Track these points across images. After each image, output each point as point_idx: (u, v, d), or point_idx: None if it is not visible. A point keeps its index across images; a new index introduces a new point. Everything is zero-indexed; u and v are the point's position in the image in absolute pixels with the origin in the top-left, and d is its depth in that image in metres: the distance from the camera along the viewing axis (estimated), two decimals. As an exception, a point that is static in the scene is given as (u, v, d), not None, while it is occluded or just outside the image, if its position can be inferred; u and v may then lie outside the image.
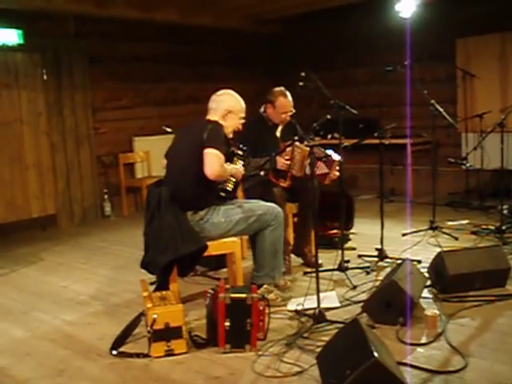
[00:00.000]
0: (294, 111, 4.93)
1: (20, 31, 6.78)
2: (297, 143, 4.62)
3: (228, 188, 4.11)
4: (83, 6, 6.94)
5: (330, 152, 4.64)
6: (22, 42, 6.81)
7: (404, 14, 6.89)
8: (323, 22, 9.11)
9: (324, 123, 4.51)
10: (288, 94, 4.88)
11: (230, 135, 4.18)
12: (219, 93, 4.20)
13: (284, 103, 4.85)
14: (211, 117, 4.11)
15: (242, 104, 4.21)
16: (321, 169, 4.74)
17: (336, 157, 4.66)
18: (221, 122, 4.07)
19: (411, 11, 6.86)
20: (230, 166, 4.04)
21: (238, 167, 4.14)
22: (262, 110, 4.99)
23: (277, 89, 4.92)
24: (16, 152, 7.05)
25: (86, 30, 7.56)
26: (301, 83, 4.52)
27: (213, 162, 3.79)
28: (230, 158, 4.11)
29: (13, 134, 7.01)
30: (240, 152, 4.20)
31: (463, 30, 7.73)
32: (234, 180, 4.13)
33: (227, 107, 4.12)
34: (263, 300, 3.47)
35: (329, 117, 4.36)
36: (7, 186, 6.99)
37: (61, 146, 7.39)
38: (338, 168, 4.74)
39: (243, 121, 4.23)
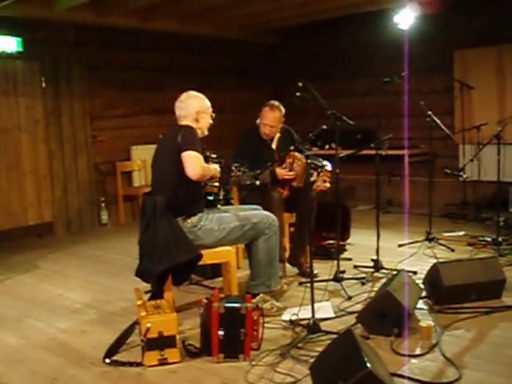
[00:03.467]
0: (276, 128, 4.90)
1: (19, 39, 6.81)
2: (296, 154, 4.63)
3: (214, 190, 4.11)
4: (82, 14, 6.96)
5: (325, 162, 4.64)
6: (21, 49, 6.83)
7: (402, 25, 6.91)
8: (321, 32, 9.15)
9: (321, 133, 4.52)
10: (277, 108, 4.86)
11: (206, 132, 4.16)
12: (182, 98, 4.16)
13: (265, 114, 4.85)
14: (183, 123, 4.10)
15: (206, 100, 4.19)
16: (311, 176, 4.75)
17: (328, 167, 4.66)
18: (194, 125, 4.06)
19: (409, 23, 6.89)
20: (210, 165, 4.02)
21: (215, 166, 4.09)
22: (257, 121, 4.99)
23: (271, 101, 4.93)
24: (13, 159, 7.05)
25: (84, 38, 7.59)
26: (298, 93, 4.52)
27: (193, 162, 3.78)
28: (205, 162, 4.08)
29: (10, 141, 7.02)
30: (214, 155, 4.18)
31: (461, 42, 7.77)
32: (217, 182, 4.13)
33: (197, 109, 4.09)
34: (257, 309, 3.46)
35: (324, 127, 4.36)
36: (4, 193, 6.99)
37: (58, 154, 7.40)
38: (326, 179, 4.74)
39: (214, 114, 4.19)
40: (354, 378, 2.51)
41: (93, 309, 4.50)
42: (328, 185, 4.77)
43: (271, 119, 4.86)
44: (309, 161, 3.92)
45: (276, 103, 4.91)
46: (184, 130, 3.95)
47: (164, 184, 3.97)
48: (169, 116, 8.35)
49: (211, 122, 4.21)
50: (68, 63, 7.38)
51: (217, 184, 4.14)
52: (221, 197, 4.26)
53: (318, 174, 4.72)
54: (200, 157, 3.83)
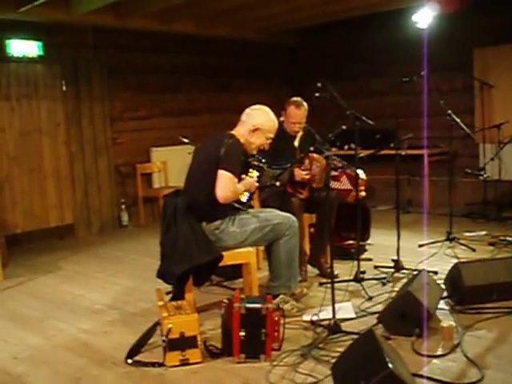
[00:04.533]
0: (303, 124, 4.92)
1: (40, 43, 6.90)
2: (315, 155, 4.62)
3: (242, 198, 4.09)
4: (102, 17, 7.02)
5: (359, 171, 4.63)
6: (41, 53, 6.92)
7: (421, 24, 6.88)
8: (340, 32, 9.13)
9: (340, 134, 4.51)
10: (302, 105, 4.87)
11: (254, 152, 4.14)
12: (254, 107, 4.16)
13: (293, 113, 4.85)
14: (237, 129, 4.09)
15: (273, 124, 4.14)
16: (344, 184, 4.75)
17: (362, 176, 4.66)
18: (246, 137, 4.05)
19: (428, 22, 6.86)
20: (241, 184, 3.98)
21: (250, 180, 4.08)
22: (281, 119, 5.00)
23: (293, 98, 4.93)
24: (35, 162, 7.14)
25: (104, 41, 7.65)
26: (317, 94, 4.51)
27: (224, 185, 3.79)
28: (245, 169, 4.09)
29: (32, 144, 7.10)
30: (256, 163, 4.16)
31: (481, 40, 7.71)
32: (247, 192, 4.12)
33: (256, 123, 4.06)
34: (278, 310, 3.47)
35: (344, 127, 4.35)
36: (26, 195, 7.07)
37: (79, 156, 7.47)
38: (363, 188, 4.73)
39: (270, 141, 4.16)
40: (375, 379, 2.51)
41: (114, 309, 4.53)
42: (364, 193, 4.76)
43: (300, 117, 4.88)
44: (328, 161, 3.92)
45: (299, 99, 4.91)
46: (230, 144, 3.90)
47: (195, 188, 3.99)
48: (188, 118, 8.58)
49: (265, 146, 4.17)
50: (88, 66, 7.45)
51: (247, 194, 4.09)
52: (249, 204, 4.24)
53: (349, 180, 4.71)
54: (234, 180, 3.83)
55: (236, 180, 3.87)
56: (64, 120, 7.37)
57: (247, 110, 4.16)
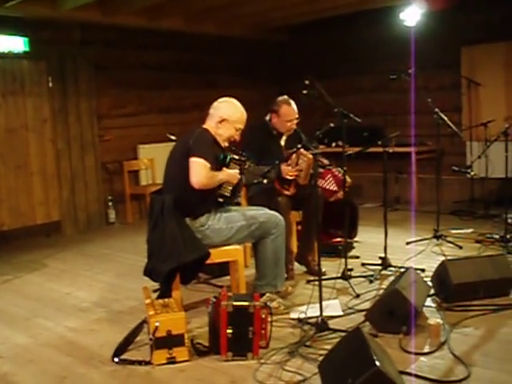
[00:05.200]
0: (298, 118, 4.94)
1: (26, 39, 6.83)
2: (302, 151, 4.62)
3: (225, 193, 4.07)
4: (89, 13, 6.98)
5: (348, 180, 4.67)
6: (27, 49, 6.85)
7: (409, 22, 6.90)
8: (328, 30, 9.13)
9: (328, 131, 4.51)
10: (292, 102, 4.89)
11: (225, 144, 4.10)
12: (220, 100, 4.17)
13: (287, 111, 4.86)
14: (207, 123, 4.10)
15: (241, 115, 4.12)
16: (330, 184, 4.76)
17: (348, 179, 4.69)
18: (214, 129, 4.05)
19: (416, 20, 6.87)
20: (220, 173, 3.96)
21: (231, 172, 4.04)
22: (267, 117, 4.99)
23: (280, 98, 4.93)
24: (21, 159, 7.08)
25: (91, 37, 7.60)
26: (304, 91, 4.51)
27: (197, 171, 3.78)
28: (225, 163, 4.04)
29: (18, 141, 7.04)
30: (236, 156, 4.11)
31: (468, 38, 7.74)
32: (230, 186, 4.10)
33: (222, 114, 4.06)
34: (265, 308, 3.46)
35: (332, 125, 4.35)
36: (12, 193, 7.01)
37: (66, 153, 7.42)
38: (346, 190, 4.76)
39: (239, 131, 4.15)
40: (363, 377, 2.51)
41: (101, 307, 4.51)
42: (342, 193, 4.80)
43: (294, 113, 4.90)
44: (316, 158, 3.91)
45: (286, 97, 4.94)
46: (198, 133, 3.95)
47: (173, 184, 3.99)
48: (176, 115, 8.54)
49: (235, 137, 4.15)
50: (75, 63, 7.39)
51: (230, 188, 4.08)
52: (235, 200, 4.22)
53: (335, 182, 4.74)
54: (207, 165, 3.81)
55: (209, 166, 3.83)
56: (50, 117, 7.32)
57: (214, 104, 4.16)
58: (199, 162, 3.79)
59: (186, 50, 8.75)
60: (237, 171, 4.07)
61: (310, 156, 4.61)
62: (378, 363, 2.52)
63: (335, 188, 4.81)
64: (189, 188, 3.82)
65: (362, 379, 2.51)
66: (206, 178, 3.82)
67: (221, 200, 4.04)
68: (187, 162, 3.82)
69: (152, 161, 8.12)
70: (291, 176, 4.73)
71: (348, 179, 4.74)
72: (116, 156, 8.01)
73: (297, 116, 4.92)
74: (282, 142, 4.99)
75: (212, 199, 4.01)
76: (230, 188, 4.08)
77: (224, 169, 4.01)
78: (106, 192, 7.89)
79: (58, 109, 7.32)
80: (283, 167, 4.72)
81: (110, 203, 7.87)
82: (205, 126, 4.07)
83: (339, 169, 4.76)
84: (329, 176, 4.85)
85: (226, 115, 4.07)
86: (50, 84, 7.26)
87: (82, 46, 7.49)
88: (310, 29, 9.26)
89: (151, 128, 8.29)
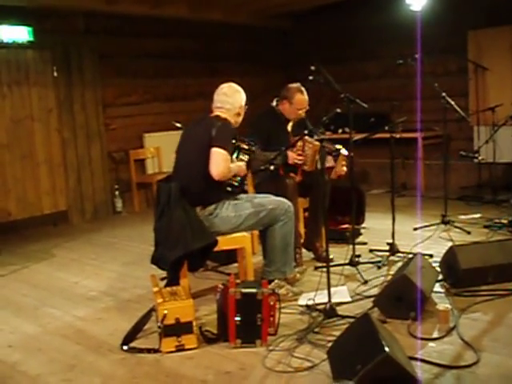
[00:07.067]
0: (308, 108, 4.92)
1: (30, 28, 6.80)
2: (307, 138, 4.60)
3: (234, 183, 4.08)
4: (92, 2, 6.96)
5: (338, 146, 4.62)
6: (32, 39, 6.83)
7: (415, 6, 6.84)
8: (333, 15, 9.06)
9: (334, 117, 4.48)
10: (304, 90, 4.87)
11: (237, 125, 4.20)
12: (228, 92, 4.14)
13: (301, 100, 4.84)
14: (221, 113, 4.08)
15: (244, 95, 4.22)
16: (328, 162, 4.72)
17: (343, 151, 4.63)
18: (233, 119, 4.07)
19: (422, 4, 6.81)
20: (233, 165, 3.99)
21: (240, 164, 4.08)
22: (274, 103, 4.97)
23: (293, 85, 4.90)
24: (27, 149, 7.08)
25: (95, 26, 7.57)
26: (311, 77, 4.49)
27: (219, 162, 3.79)
28: (234, 152, 4.08)
29: (24, 131, 7.04)
30: (245, 146, 4.15)
31: (474, 22, 7.68)
32: (239, 178, 4.11)
33: (241, 104, 4.14)
34: (274, 295, 3.46)
35: (338, 110, 4.32)
36: (19, 183, 7.02)
37: (72, 143, 7.41)
38: (344, 163, 4.72)
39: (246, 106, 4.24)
40: (372, 362, 2.51)
41: (109, 296, 4.52)
42: (345, 169, 4.75)
43: (306, 102, 4.89)
44: (323, 144, 3.90)
45: (299, 85, 4.91)
46: (221, 124, 3.93)
47: (188, 171, 3.98)
48: (180, 103, 8.52)
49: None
50: (79, 52, 7.37)
51: (238, 178, 4.11)
52: (242, 188, 4.23)
53: (334, 159, 4.70)
54: (228, 157, 3.84)
55: (229, 158, 3.86)
56: (56, 106, 7.31)
57: (223, 97, 4.12)
58: (222, 154, 3.80)
59: (190, 38, 8.71)
60: (244, 163, 4.10)
61: (316, 143, 4.59)
62: (387, 349, 2.51)
63: (333, 163, 4.76)
64: (205, 177, 3.83)
65: (371, 365, 2.51)
66: (226, 169, 3.83)
67: (229, 189, 4.05)
68: (206, 153, 3.81)
69: (158, 149, 8.11)
70: (298, 161, 4.70)
71: (344, 152, 4.68)
72: (122, 145, 8.00)
73: (307, 105, 4.90)
74: (289, 128, 4.98)
75: (223, 189, 4.02)
76: (239, 178, 4.09)
77: (233, 157, 4.03)
78: (112, 181, 7.89)
79: (63, 98, 7.30)
80: (289, 153, 4.70)
81: (117, 192, 7.86)
82: (224, 116, 4.04)
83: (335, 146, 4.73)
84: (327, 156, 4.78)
85: (243, 103, 4.16)
86: (55, 73, 7.23)
87: (86, 35, 7.46)
88: (314, 15, 9.21)
89: (156, 116, 8.27)
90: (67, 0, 6.60)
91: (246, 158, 4.13)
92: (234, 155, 4.08)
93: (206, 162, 3.81)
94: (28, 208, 7.13)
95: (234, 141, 4.01)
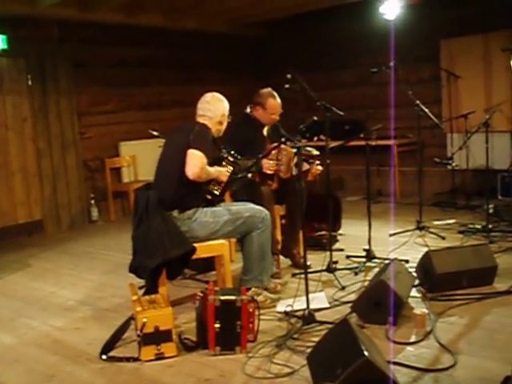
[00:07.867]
0: (281, 111, 4.95)
1: (4, 36, 6.74)
2: (282, 145, 4.63)
3: (215, 191, 4.10)
4: (67, 10, 6.92)
5: (309, 148, 4.67)
6: (5, 47, 6.77)
7: (388, 15, 6.93)
8: (308, 24, 9.15)
9: (310, 125, 4.52)
10: (276, 95, 4.90)
11: (220, 134, 4.25)
12: (210, 100, 4.20)
13: (274, 104, 4.87)
14: (203, 120, 4.13)
15: (227, 105, 4.28)
16: (303, 166, 4.76)
17: (314, 152, 4.70)
18: (215, 127, 4.14)
19: (395, 13, 6.90)
20: (213, 169, 4.02)
21: (222, 170, 4.11)
22: (248, 110, 4.99)
23: (265, 90, 4.93)
24: (1, 158, 7.00)
25: (70, 34, 7.53)
26: (287, 85, 4.53)
27: (194, 162, 3.81)
28: (219, 162, 4.12)
29: (-2, 140, 6.97)
30: (230, 158, 4.19)
31: (447, 31, 7.80)
32: (221, 185, 4.13)
33: (223, 113, 4.20)
34: (253, 302, 3.47)
35: (315, 118, 4.37)
36: (-7, 193, 6.94)
37: (47, 152, 7.35)
38: (318, 162, 4.77)
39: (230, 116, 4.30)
40: (351, 367, 2.53)
41: (87, 306, 4.48)
42: (320, 168, 4.80)
43: (280, 107, 4.92)
44: (300, 151, 3.92)
45: (271, 89, 4.94)
46: (199, 128, 4.00)
47: (166, 176, 4.01)
48: (156, 111, 8.51)
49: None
50: (53, 60, 7.32)
51: (220, 187, 4.13)
52: (222, 197, 4.26)
53: (309, 164, 4.74)
54: (204, 158, 3.85)
55: (205, 159, 3.87)
56: (30, 115, 7.24)
57: (206, 106, 4.18)
58: (197, 154, 3.82)
59: (165, 46, 8.71)
60: (227, 172, 4.13)
61: (290, 150, 4.62)
62: (366, 353, 2.54)
63: (307, 167, 4.80)
64: (183, 180, 3.84)
65: (351, 369, 2.53)
66: (202, 170, 3.84)
67: (209, 197, 4.06)
68: (183, 156, 3.83)
69: (134, 157, 8.09)
70: (271, 171, 4.72)
71: (315, 152, 4.75)
72: (97, 153, 7.95)
73: (281, 110, 4.93)
74: (265, 133, 5.00)
75: (202, 194, 4.04)
76: (220, 187, 4.12)
77: (216, 167, 4.07)
78: (88, 190, 7.84)
79: (38, 107, 7.25)
80: (263, 161, 4.71)
81: (93, 201, 7.82)
82: (203, 122, 4.10)
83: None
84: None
85: (225, 112, 4.22)
86: (29, 82, 7.18)
87: (60, 44, 7.42)
88: (289, 23, 9.27)
89: (132, 125, 8.25)
90: (42, 8, 6.56)
91: (230, 169, 4.15)
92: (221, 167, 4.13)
93: (182, 166, 3.83)
94: (2, 218, 7.03)
95: (212, 148, 4.03)
